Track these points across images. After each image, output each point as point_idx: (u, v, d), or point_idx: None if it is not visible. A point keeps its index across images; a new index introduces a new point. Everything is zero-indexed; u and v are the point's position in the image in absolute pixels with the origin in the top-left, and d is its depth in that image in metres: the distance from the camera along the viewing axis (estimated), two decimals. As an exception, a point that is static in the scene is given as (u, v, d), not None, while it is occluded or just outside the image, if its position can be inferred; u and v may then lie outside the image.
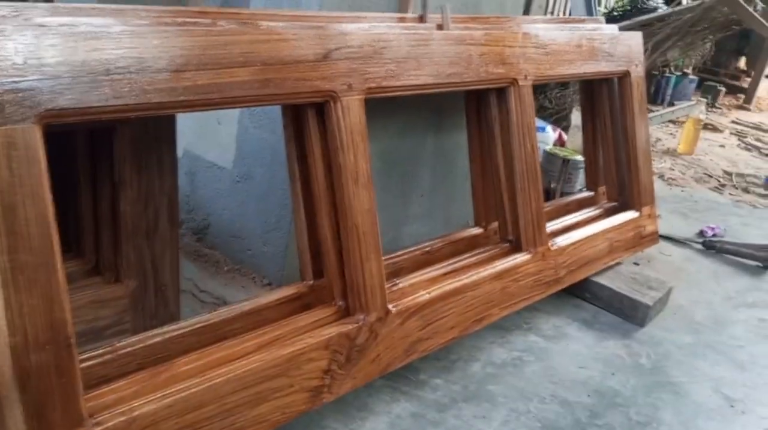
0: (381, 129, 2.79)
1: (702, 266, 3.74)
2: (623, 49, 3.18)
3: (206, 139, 3.00)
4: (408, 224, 3.20)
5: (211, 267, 2.91)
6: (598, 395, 2.47)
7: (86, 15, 1.57)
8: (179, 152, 2.23)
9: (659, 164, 5.60)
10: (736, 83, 9.17)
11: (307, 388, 1.91)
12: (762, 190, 5.35)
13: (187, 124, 2.82)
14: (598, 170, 3.49)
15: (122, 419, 1.55)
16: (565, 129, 4.77)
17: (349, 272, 2.05)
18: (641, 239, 3.38)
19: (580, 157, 3.90)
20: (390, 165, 2.97)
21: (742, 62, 9.38)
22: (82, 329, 1.95)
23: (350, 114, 1.99)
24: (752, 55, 9.19)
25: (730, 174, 5.70)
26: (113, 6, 1.66)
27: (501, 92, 2.59)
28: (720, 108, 8.36)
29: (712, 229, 4.12)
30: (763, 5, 6.37)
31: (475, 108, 2.73)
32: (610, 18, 6.54)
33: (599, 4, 7.03)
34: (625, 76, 3.22)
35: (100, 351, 1.76)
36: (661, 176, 5.33)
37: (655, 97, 7.28)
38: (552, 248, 2.79)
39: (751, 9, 6.11)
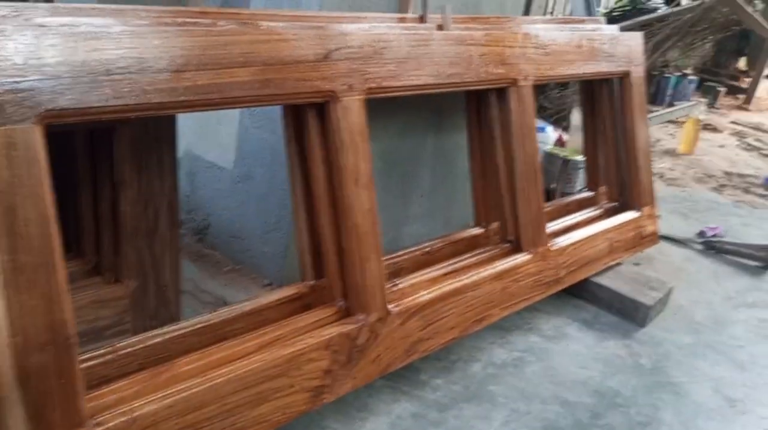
0: (381, 129, 2.79)
1: (702, 266, 3.74)
2: (623, 49, 3.18)
3: (206, 140, 3.00)
4: (408, 225, 3.20)
5: (212, 267, 2.91)
6: (598, 395, 2.47)
7: (86, 15, 1.57)
8: (179, 152, 2.23)
9: (659, 164, 5.60)
10: (736, 84, 9.17)
11: (307, 388, 1.91)
12: (762, 191, 5.35)
13: (187, 125, 2.82)
14: (599, 170, 3.49)
15: (123, 419, 1.55)
16: (565, 129, 4.77)
17: (350, 272, 2.05)
18: (641, 239, 3.38)
19: (579, 158, 3.90)
20: (390, 165, 2.97)
21: (741, 63, 9.37)
22: (82, 330, 1.94)
23: (351, 114, 1.99)
24: (752, 55, 9.18)
25: (729, 174, 5.69)
26: (113, 6, 1.66)
27: (501, 92, 2.59)
28: (720, 108, 8.36)
29: (712, 229, 4.11)
30: (762, 5, 6.37)
31: (476, 108, 2.73)
32: (610, 18, 6.54)
33: (598, 5, 7.03)
34: (625, 76, 3.22)
35: (101, 351, 1.76)
36: (661, 176, 5.33)
37: (655, 97, 7.28)
38: (552, 249, 2.79)
39: (750, 9, 6.11)
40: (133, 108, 1.56)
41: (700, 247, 3.96)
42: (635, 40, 3.29)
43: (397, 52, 2.12)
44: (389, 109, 2.77)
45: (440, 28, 2.41)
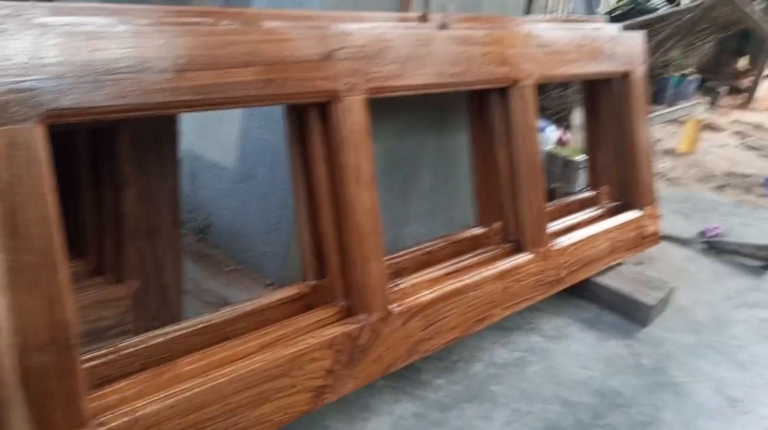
0: (383, 129, 2.79)
1: (703, 266, 3.74)
2: (625, 49, 3.18)
3: (208, 140, 3.00)
4: (409, 224, 3.20)
5: (213, 267, 2.91)
6: (599, 395, 2.47)
7: (88, 14, 1.56)
8: (180, 152, 2.23)
9: (660, 164, 5.60)
10: (737, 84, 9.16)
11: (309, 388, 1.91)
12: (762, 191, 5.34)
13: (188, 124, 2.82)
14: (600, 170, 3.48)
15: (125, 419, 1.55)
16: (566, 129, 4.77)
17: (351, 272, 2.05)
18: (643, 239, 3.38)
19: (580, 158, 3.90)
20: (392, 165, 2.97)
21: (742, 63, 9.36)
22: (84, 330, 1.94)
23: (352, 114, 1.99)
24: (753, 55, 9.17)
25: (730, 174, 5.69)
26: (115, 5, 1.66)
27: (503, 92, 2.59)
28: (721, 108, 8.35)
29: (713, 229, 4.11)
30: (763, 5, 6.37)
31: (477, 108, 2.72)
32: (611, 18, 6.53)
33: (598, 5, 7.03)
34: (626, 76, 3.22)
35: (103, 351, 1.76)
36: (663, 176, 5.33)
37: (655, 97, 7.27)
38: (554, 248, 2.79)
39: (750, 10, 6.11)
40: (136, 108, 1.56)
41: (701, 247, 3.95)
42: (637, 40, 3.29)
43: (399, 52, 2.12)
44: (391, 108, 2.77)
45: (442, 27, 2.41)
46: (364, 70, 2.02)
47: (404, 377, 2.36)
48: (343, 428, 2.13)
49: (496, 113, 2.64)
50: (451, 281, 2.37)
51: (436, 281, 2.37)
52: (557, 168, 3.98)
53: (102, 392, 1.59)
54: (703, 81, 8.27)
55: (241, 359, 1.79)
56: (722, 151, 6.49)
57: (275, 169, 2.73)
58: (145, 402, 1.59)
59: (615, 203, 3.43)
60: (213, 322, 1.95)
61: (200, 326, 1.94)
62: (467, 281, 2.41)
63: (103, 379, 1.69)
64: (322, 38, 1.91)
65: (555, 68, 2.76)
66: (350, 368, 2.02)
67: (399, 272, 2.41)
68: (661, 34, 6.13)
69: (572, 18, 4.36)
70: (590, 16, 5.36)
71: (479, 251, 2.65)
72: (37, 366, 1.41)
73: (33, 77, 1.38)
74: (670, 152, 6.08)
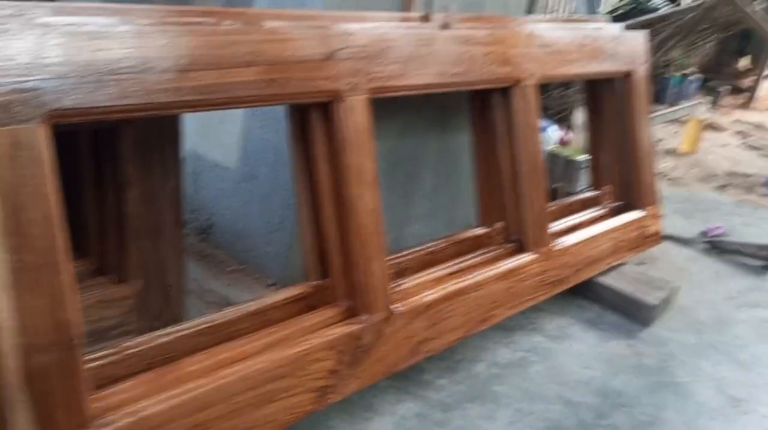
0: (385, 129, 2.79)
1: (705, 266, 3.74)
2: (627, 48, 3.17)
3: (210, 139, 3.00)
4: (411, 224, 3.20)
5: (215, 267, 2.91)
6: (602, 395, 2.47)
7: (91, 14, 1.56)
8: (183, 152, 2.23)
9: (662, 164, 5.59)
10: (738, 83, 9.16)
11: (313, 388, 1.91)
12: (764, 191, 5.34)
13: (191, 125, 2.82)
14: (602, 170, 3.48)
15: (129, 420, 1.54)
16: (568, 129, 4.77)
17: (354, 272, 2.05)
18: (645, 238, 3.37)
19: (582, 157, 3.90)
20: (394, 165, 2.97)
21: (743, 62, 9.36)
22: (87, 330, 1.93)
23: (355, 114, 1.98)
24: (754, 55, 9.17)
25: (732, 174, 5.69)
26: (117, 5, 1.66)
27: (505, 92, 2.59)
28: (722, 108, 8.35)
29: (715, 229, 4.11)
30: (764, 5, 6.37)
31: (479, 108, 2.72)
32: (612, 17, 6.53)
33: (599, 4, 7.03)
34: (628, 75, 3.22)
35: (107, 352, 1.75)
36: (664, 176, 5.33)
37: (657, 96, 7.27)
38: (556, 248, 2.78)
39: (751, 10, 6.11)
40: (139, 108, 1.56)
41: (702, 246, 3.95)
42: (639, 40, 3.28)
43: (401, 52, 2.12)
44: (393, 108, 2.77)
45: (444, 27, 2.40)
46: (366, 70, 2.01)
47: (407, 377, 2.36)
48: (346, 427, 2.13)
49: (498, 113, 2.63)
50: (454, 281, 2.37)
51: (438, 281, 2.37)
52: (559, 168, 3.98)
53: (105, 392, 1.59)
54: (704, 81, 8.27)
55: (245, 359, 1.78)
56: (724, 150, 6.49)
57: (278, 170, 2.73)
58: (148, 403, 1.59)
59: (617, 203, 3.42)
60: (217, 322, 1.95)
61: (204, 326, 1.93)
62: (470, 281, 2.41)
63: (106, 379, 1.69)
64: (324, 38, 1.91)
65: (557, 68, 2.76)
66: (353, 369, 2.02)
67: (402, 272, 2.41)
68: (663, 34, 6.12)
69: (574, 18, 4.36)
70: (592, 15, 5.36)
71: (482, 251, 2.64)
72: (40, 367, 1.41)
73: (36, 77, 1.38)
74: (671, 152, 6.08)
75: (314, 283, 2.16)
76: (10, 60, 1.35)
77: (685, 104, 7.46)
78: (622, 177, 3.41)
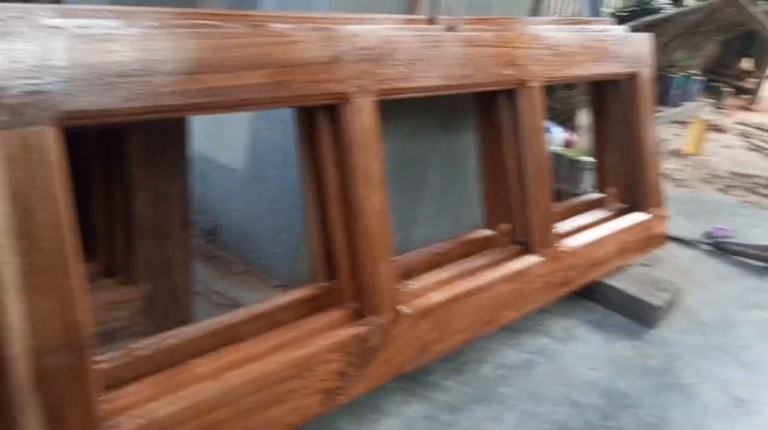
0: (392, 130, 2.78)
1: (709, 267, 3.74)
2: (632, 50, 3.18)
3: (217, 141, 3.00)
4: (418, 226, 3.20)
5: (222, 268, 2.91)
6: (608, 396, 2.47)
7: (98, 17, 1.57)
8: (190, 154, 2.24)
9: (666, 165, 5.59)
10: (742, 84, 9.16)
11: (321, 390, 1.91)
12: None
13: (198, 126, 2.81)
14: (607, 172, 3.48)
15: (138, 421, 1.54)
16: (572, 130, 4.77)
17: (361, 273, 2.05)
18: (650, 240, 3.37)
19: (586, 159, 3.90)
20: (401, 166, 2.97)
21: (747, 63, 9.36)
22: (95, 332, 1.94)
23: (362, 116, 1.99)
24: (757, 56, 9.18)
25: (736, 175, 5.68)
26: (124, 8, 1.66)
27: (511, 94, 2.59)
28: (725, 109, 8.35)
29: (720, 230, 4.11)
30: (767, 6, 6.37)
31: (485, 109, 2.72)
32: (617, 19, 6.52)
33: (601, 5, 7.02)
34: (633, 77, 3.22)
35: (116, 354, 1.75)
36: (668, 177, 5.33)
37: (661, 97, 7.27)
38: (562, 250, 2.78)
39: (755, 11, 6.11)
40: (147, 110, 1.56)
41: (707, 247, 3.95)
42: (644, 41, 3.29)
43: (407, 54, 2.13)
44: (399, 110, 2.77)
45: (450, 29, 2.41)
46: (372, 72, 2.02)
47: (413, 378, 2.36)
48: (354, 428, 2.13)
49: (503, 115, 2.63)
50: (461, 283, 2.38)
51: (445, 282, 2.37)
52: (564, 169, 3.98)
53: (115, 394, 1.59)
54: (707, 82, 8.28)
55: (254, 360, 1.78)
56: (727, 151, 6.49)
57: (285, 171, 2.73)
58: (157, 405, 1.59)
59: (622, 205, 3.42)
60: (225, 323, 1.94)
61: (213, 327, 1.92)
62: (477, 283, 2.41)
63: (115, 381, 1.69)
64: (330, 40, 1.91)
65: (562, 70, 2.77)
66: (361, 370, 2.02)
67: (408, 274, 2.40)
68: (666, 35, 6.12)
69: (579, 19, 4.35)
70: (596, 17, 5.36)
71: (488, 253, 2.64)
72: (50, 369, 1.41)
73: (45, 80, 1.38)
74: (675, 153, 6.08)
75: (321, 284, 2.16)
76: (20, 62, 1.35)
77: (688, 105, 7.47)
78: (628, 178, 3.41)
